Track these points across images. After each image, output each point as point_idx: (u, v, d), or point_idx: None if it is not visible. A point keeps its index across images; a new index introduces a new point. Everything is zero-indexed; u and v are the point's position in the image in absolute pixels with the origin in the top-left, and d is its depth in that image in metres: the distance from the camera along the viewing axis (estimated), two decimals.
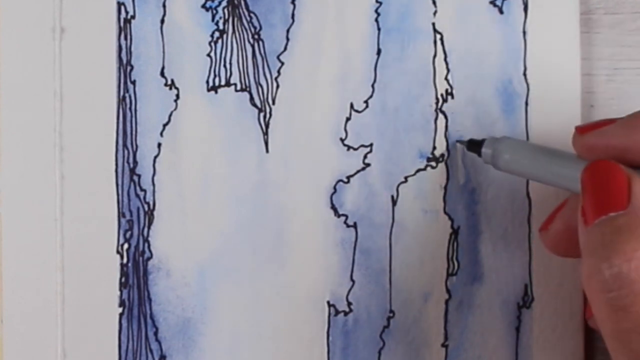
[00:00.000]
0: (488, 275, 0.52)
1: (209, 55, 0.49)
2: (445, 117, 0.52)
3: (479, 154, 0.50)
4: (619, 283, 0.41)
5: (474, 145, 0.50)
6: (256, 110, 0.50)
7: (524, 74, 0.53)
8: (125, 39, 0.48)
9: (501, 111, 0.52)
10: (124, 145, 0.48)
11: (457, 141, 0.51)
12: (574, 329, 0.53)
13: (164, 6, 0.49)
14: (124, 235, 0.48)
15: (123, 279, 0.48)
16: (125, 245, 0.48)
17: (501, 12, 0.52)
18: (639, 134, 0.45)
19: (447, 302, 0.52)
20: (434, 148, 0.52)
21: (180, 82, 0.49)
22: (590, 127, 0.47)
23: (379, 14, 0.51)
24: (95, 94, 0.48)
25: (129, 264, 0.48)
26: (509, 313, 0.53)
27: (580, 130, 0.47)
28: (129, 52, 0.48)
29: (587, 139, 0.46)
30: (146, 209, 0.49)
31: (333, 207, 0.51)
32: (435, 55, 0.52)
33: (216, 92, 0.49)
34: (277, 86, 0.50)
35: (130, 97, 0.48)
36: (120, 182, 0.48)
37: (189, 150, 0.49)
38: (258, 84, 0.50)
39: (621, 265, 0.41)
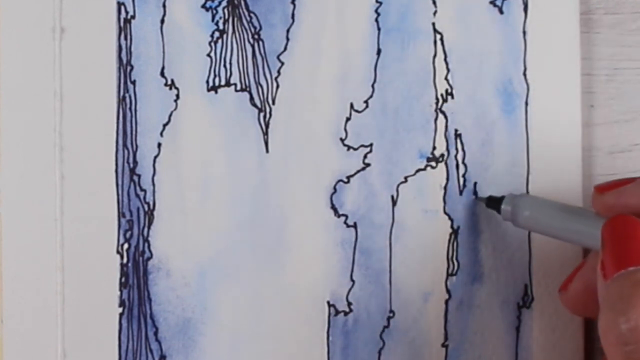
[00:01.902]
0: (488, 275, 0.52)
1: (209, 55, 0.49)
2: (445, 117, 0.52)
3: (498, 211, 0.50)
4: (636, 337, 0.41)
5: (493, 202, 0.51)
6: (256, 110, 0.50)
7: (524, 74, 0.53)
8: (125, 39, 0.48)
9: (501, 111, 0.52)
10: (124, 145, 0.48)
11: (476, 198, 0.51)
12: (574, 329, 0.53)
13: (164, 6, 0.49)
14: (124, 235, 0.48)
15: (123, 279, 0.48)
16: (125, 245, 0.48)
17: (501, 12, 0.52)
18: None
19: (447, 302, 0.52)
20: (434, 148, 0.52)
21: (180, 82, 0.49)
22: (609, 187, 0.47)
23: (379, 14, 0.51)
24: (95, 94, 0.48)
25: (129, 264, 0.48)
26: (509, 313, 0.53)
27: (599, 190, 0.47)
28: (129, 52, 0.48)
29: (607, 198, 0.47)
30: (146, 209, 0.49)
31: (333, 207, 0.51)
32: (435, 55, 0.52)
33: (216, 92, 0.49)
34: (277, 86, 0.50)
35: (130, 97, 0.48)
36: (120, 182, 0.48)
37: (189, 150, 0.49)
38: (258, 84, 0.50)
39: (638, 319, 0.41)
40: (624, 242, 0.44)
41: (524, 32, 0.53)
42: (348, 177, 0.51)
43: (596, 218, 0.47)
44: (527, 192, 0.52)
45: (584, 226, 0.48)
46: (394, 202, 0.51)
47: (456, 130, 0.52)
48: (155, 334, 0.49)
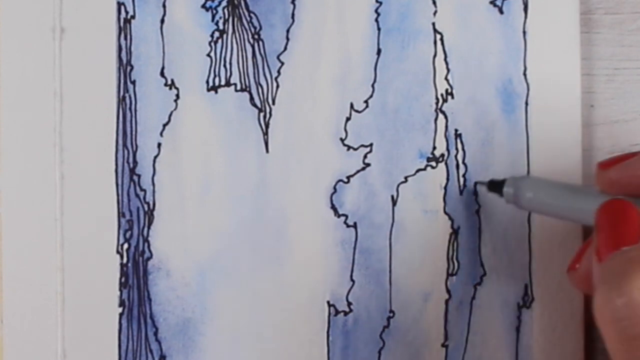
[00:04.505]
0: (488, 275, 0.52)
1: (209, 55, 0.49)
2: (445, 117, 0.52)
3: (501, 194, 0.50)
4: (630, 312, 0.40)
5: (495, 186, 0.50)
6: (256, 110, 0.50)
7: (524, 74, 0.53)
8: (125, 39, 0.48)
9: (501, 111, 0.53)
10: (124, 145, 0.48)
11: (477, 182, 0.51)
12: (574, 329, 0.53)
13: (164, 6, 0.49)
14: (124, 235, 0.48)
15: (123, 279, 0.48)
16: (125, 245, 0.48)
17: (501, 12, 0.52)
18: None
19: (447, 302, 0.52)
20: (434, 148, 0.52)
21: (180, 82, 0.49)
22: (612, 162, 0.47)
23: (379, 14, 0.51)
24: (95, 94, 0.48)
25: (129, 264, 0.48)
26: (509, 313, 0.53)
27: (603, 166, 0.47)
28: (129, 52, 0.48)
29: (610, 173, 0.47)
30: (146, 209, 0.49)
31: (333, 207, 0.51)
32: (435, 55, 0.52)
33: (216, 92, 0.49)
34: (277, 86, 0.50)
35: (130, 97, 0.48)
36: (120, 182, 0.48)
37: (189, 150, 0.49)
38: (258, 84, 0.50)
39: (632, 293, 0.40)
40: (618, 225, 0.44)
41: (524, 32, 0.53)
42: (348, 177, 0.51)
43: (600, 195, 0.47)
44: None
45: (588, 204, 0.47)
46: (394, 202, 0.51)
47: (456, 130, 0.52)
48: (155, 334, 0.49)
